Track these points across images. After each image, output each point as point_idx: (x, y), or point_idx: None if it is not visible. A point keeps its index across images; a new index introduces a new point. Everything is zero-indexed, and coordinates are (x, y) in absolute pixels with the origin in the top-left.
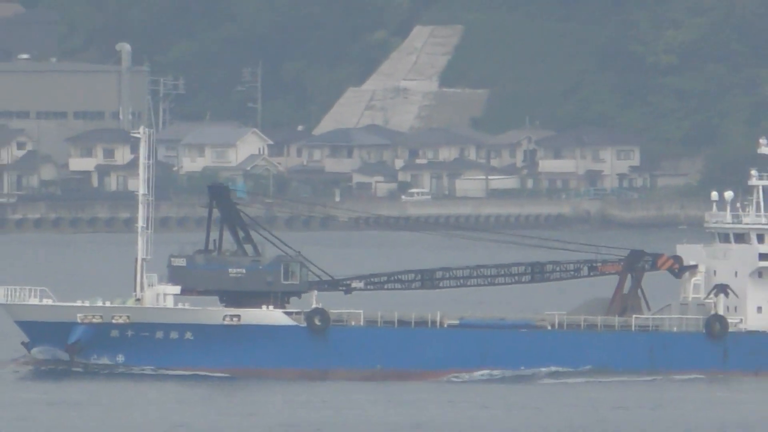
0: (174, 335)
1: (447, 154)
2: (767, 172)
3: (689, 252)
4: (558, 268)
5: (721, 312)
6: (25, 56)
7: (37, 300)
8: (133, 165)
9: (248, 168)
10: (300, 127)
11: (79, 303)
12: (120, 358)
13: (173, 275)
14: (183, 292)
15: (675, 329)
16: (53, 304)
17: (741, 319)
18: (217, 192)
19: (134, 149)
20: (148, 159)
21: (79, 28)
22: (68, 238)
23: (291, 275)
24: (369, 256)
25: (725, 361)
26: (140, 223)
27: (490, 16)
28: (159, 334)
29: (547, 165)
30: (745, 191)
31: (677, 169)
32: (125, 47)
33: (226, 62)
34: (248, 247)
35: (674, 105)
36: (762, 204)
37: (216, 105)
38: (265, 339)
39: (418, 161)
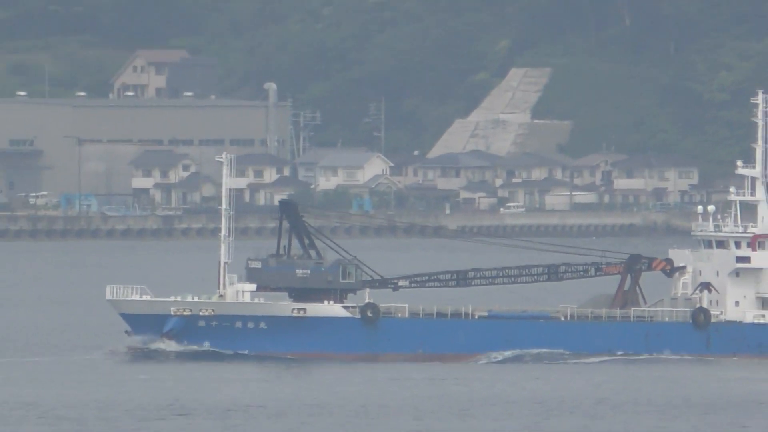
0: (251, 325)
1: (538, 174)
2: (743, 190)
3: (679, 256)
4: (570, 269)
5: (705, 305)
6: (189, 94)
7: (137, 296)
8: (278, 183)
9: (373, 186)
10: (416, 152)
11: (172, 298)
12: (206, 344)
13: (250, 275)
14: (258, 289)
15: (667, 319)
16: (151, 299)
17: (721, 312)
18: (286, 207)
19: (279, 170)
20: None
21: (234, 70)
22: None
23: (348, 275)
24: (465, 258)
25: (708, 346)
26: (223, 232)
27: (573, 60)
28: (238, 324)
29: (621, 183)
30: None
31: (729, 187)
32: (272, 86)
33: (355, 98)
34: (312, 252)
35: (726, 134)
36: (739, 216)
37: (347, 134)
38: (326, 328)
39: (514, 180)
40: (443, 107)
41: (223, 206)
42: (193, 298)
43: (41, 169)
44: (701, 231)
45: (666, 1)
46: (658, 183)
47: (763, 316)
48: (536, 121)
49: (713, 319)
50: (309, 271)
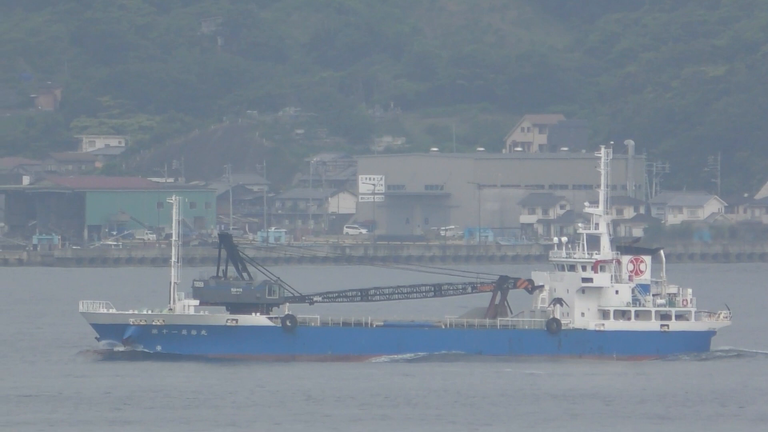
0: (194, 332)
1: None
2: (589, 224)
3: (539, 277)
4: (451, 288)
5: (557, 316)
6: (565, 149)
7: (104, 309)
8: (635, 219)
9: (711, 222)
10: (746, 194)
11: (130, 311)
12: (158, 348)
13: (195, 293)
14: (201, 304)
15: (527, 327)
16: (114, 312)
17: (570, 321)
18: (223, 238)
19: (636, 209)
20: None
21: (600, 130)
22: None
23: (272, 293)
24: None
25: (559, 348)
26: (173, 258)
27: None
28: (184, 332)
29: None
30: None
31: None
32: (630, 143)
33: (697, 152)
34: (245, 275)
35: None
36: (585, 245)
37: (690, 180)
38: (253, 335)
39: None
40: (766, 160)
41: (173, 238)
42: (147, 311)
43: (449, 207)
44: (556, 257)
45: None
46: None
47: (603, 324)
48: None
49: (563, 327)
50: (241, 290)
